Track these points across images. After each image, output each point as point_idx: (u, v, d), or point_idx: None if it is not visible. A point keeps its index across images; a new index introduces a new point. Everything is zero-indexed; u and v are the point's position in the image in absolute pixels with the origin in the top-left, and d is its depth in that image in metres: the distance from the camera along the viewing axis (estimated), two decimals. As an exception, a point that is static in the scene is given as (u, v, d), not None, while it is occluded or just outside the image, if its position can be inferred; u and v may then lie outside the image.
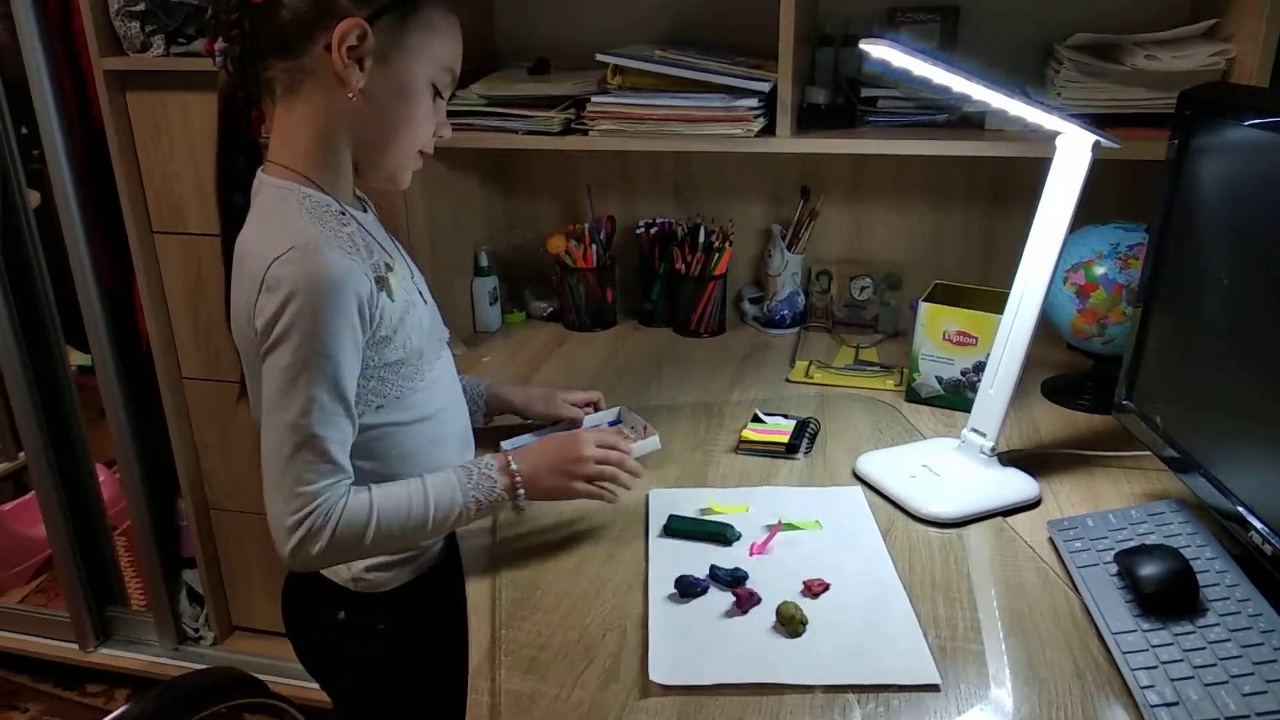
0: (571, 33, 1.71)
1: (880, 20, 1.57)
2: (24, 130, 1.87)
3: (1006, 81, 1.51)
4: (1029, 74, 1.53)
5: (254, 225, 0.96)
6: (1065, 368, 1.49)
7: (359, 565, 1.07)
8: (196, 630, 2.05)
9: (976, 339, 1.34)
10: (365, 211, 1.04)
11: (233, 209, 0.99)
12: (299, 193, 0.95)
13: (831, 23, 1.59)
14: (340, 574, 1.08)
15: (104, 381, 1.85)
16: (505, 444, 1.22)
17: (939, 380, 1.39)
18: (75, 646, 2.08)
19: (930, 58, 1.11)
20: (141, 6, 1.53)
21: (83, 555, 2.06)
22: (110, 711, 2.03)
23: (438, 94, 0.99)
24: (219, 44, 0.93)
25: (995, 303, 1.33)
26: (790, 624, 0.93)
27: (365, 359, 0.95)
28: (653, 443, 1.25)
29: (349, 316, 0.91)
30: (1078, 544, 1.04)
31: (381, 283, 0.96)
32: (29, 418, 1.94)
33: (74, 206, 1.74)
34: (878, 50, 1.09)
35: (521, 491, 1.03)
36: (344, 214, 0.97)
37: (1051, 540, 1.07)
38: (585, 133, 1.49)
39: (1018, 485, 1.17)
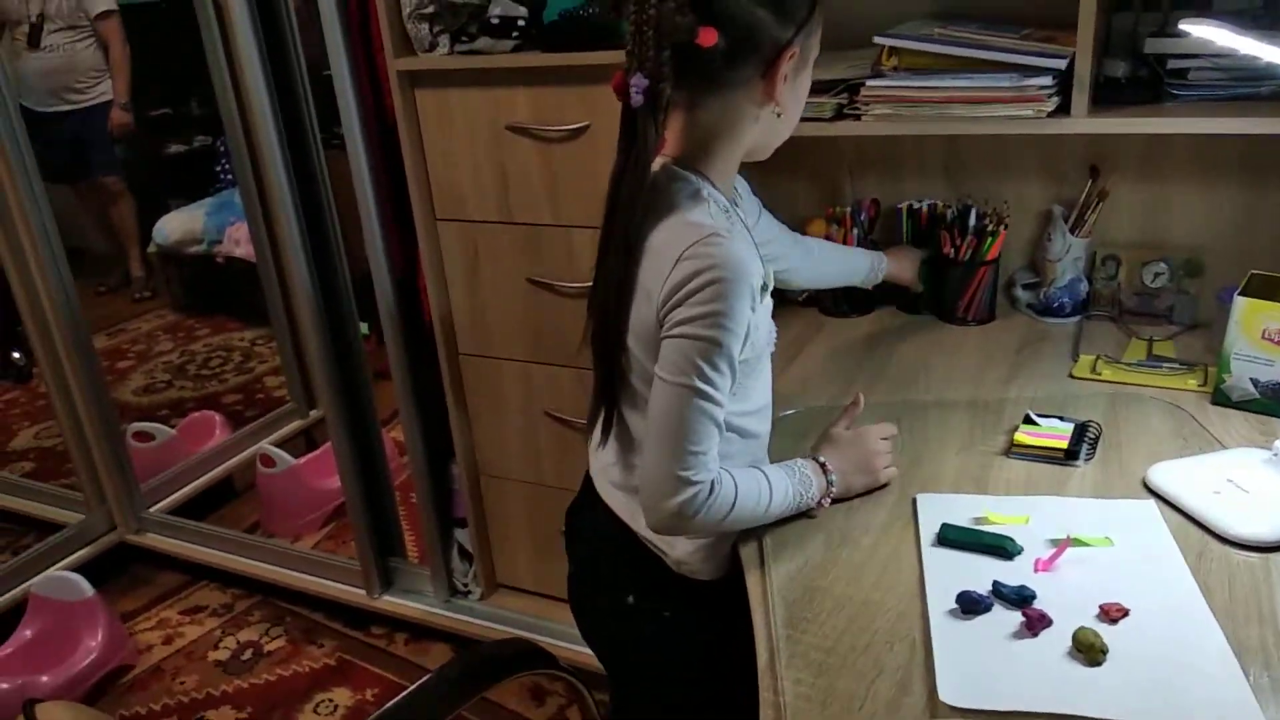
0: (838, 12, 1.63)
1: (1191, -22, 1.42)
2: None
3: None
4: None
5: (660, 216, 0.98)
6: None
7: (689, 547, 1.10)
8: (466, 585, 2.21)
9: (1304, 339, 1.20)
10: (737, 205, 1.09)
11: (629, 233, 0.97)
12: (705, 188, 1.00)
13: (1132, -15, 1.45)
14: (668, 553, 1.11)
15: (392, 354, 2.01)
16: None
17: (1255, 383, 1.25)
18: (363, 592, 2.31)
19: (1256, 34, 0.99)
20: (430, 9, 1.64)
21: (368, 508, 2.27)
22: (392, 652, 2.26)
23: None
24: (637, 80, 0.92)
25: (1328, 298, 1.19)
26: (1089, 652, 0.88)
27: None
28: None
29: (748, 304, 0.95)
30: None
31: (764, 284, 0.99)
32: (326, 379, 2.14)
33: (369, 194, 1.89)
34: (1200, 29, 0.99)
35: (833, 493, 1.11)
36: (729, 213, 1.02)
37: (1403, 576, 0.95)
38: (858, 118, 1.45)
39: (1346, 506, 1.04)
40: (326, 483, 2.68)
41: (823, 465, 1.11)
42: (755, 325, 0.99)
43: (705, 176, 1.02)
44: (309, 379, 2.98)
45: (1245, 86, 1.32)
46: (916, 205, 1.69)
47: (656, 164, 1.01)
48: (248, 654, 2.32)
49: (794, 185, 1.84)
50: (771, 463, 1.13)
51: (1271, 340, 1.23)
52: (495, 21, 1.63)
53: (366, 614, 2.34)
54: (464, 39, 1.68)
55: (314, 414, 3.10)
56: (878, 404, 1.37)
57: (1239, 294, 1.25)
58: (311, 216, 2.07)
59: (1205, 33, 0.98)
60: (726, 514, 1.01)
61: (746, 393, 1.06)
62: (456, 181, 1.79)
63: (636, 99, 0.93)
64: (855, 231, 1.68)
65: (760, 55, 0.96)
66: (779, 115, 1.02)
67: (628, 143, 0.96)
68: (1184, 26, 0.98)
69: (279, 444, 2.88)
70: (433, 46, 1.69)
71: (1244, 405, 1.27)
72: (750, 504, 1.03)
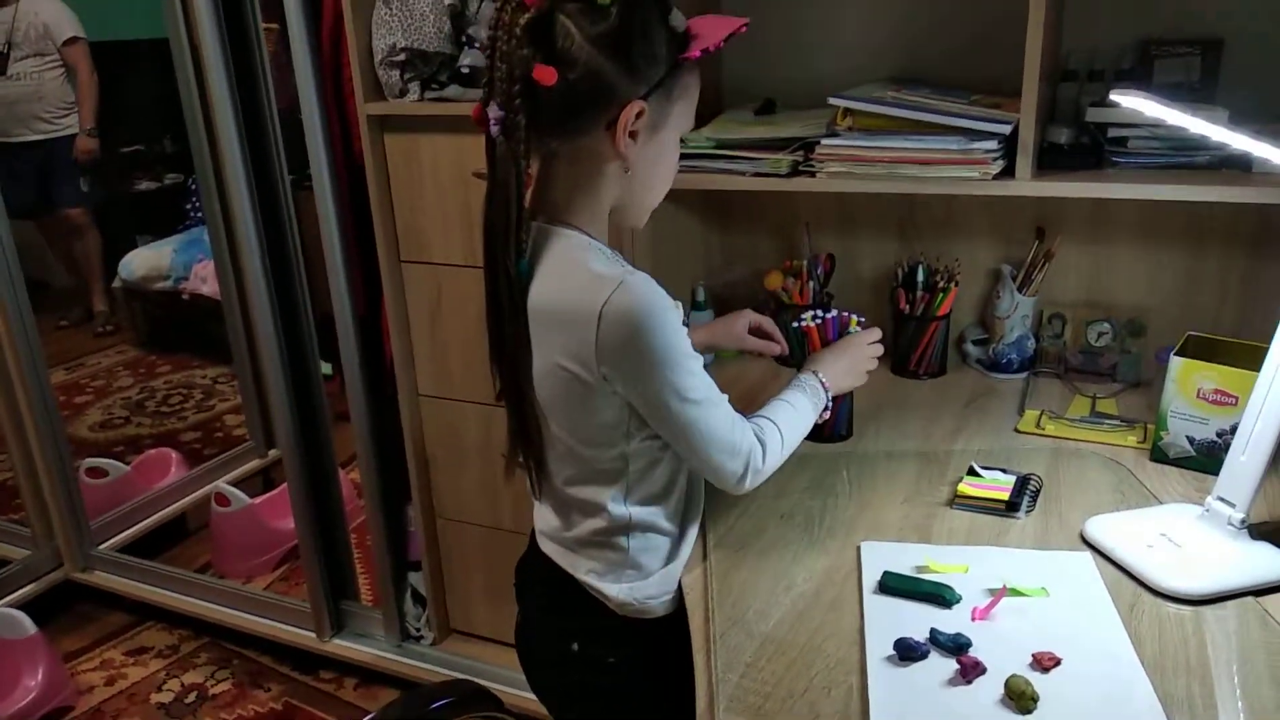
0: (799, 72, 1.71)
1: (1132, 53, 1.49)
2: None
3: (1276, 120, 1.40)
4: (1306, 109, 1.40)
5: (553, 277, 1.00)
6: (1340, 433, 1.34)
7: (629, 591, 1.11)
8: (418, 630, 2.19)
9: (1237, 399, 1.24)
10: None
11: (510, 272, 1.00)
12: (584, 240, 1.02)
13: (1076, 57, 1.51)
14: (610, 597, 1.11)
15: (351, 395, 2.01)
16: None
17: (1190, 441, 1.29)
18: (313, 635, 2.27)
19: (1190, 107, 1.05)
20: (402, 57, 1.67)
21: (323, 550, 2.25)
22: (341, 697, 2.22)
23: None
24: (493, 111, 0.96)
25: (1258, 359, 1.22)
26: (1020, 700, 0.89)
27: None
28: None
29: (677, 319, 1.00)
30: (1358, 639, 0.94)
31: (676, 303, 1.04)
32: (285, 418, 2.13)
33: (335, 235, 1.91)
34: (1129, 101, 1.04)
35: (830, 402, 1.22)
36: (616, 257, 1.04)
37: (1326, 631, 0.97)
38: (813, 174, 1.49)
39: (1271, 562, 1.07)
40: (282, 523, 2.65)
41: (820, 378, 1.22)
42: None
43: (581, 230, 1.03)
44: (269, 418, 2.96)
45: (1183, 155, 1.38)
46: (802, 322, 1.37)
47: (534, 229, 1.02)
48: (191, 697, 2.27)
49: (754, 238, 1.88)
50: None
51: (1206, 400, 1.27)
52: (465, 70, 1.67)
53: (316, 657, 2.30)
54: (434, 86, 1.71)
55: (273, 453, 3.08)
56: (830, 453, 1.40)
57: (1175, 354, 1.29)
58: (277, 256, 2.07)
59: (1134, 104, 1.02)
60: (781, 451, 1.13)
61: None
62: (422, 224, 1.81)
63: (494, 129, 0.96)
64: (811, 285, 1.72)
65: (603, 105, 0.96)
66: (628, 173, 1.02)
67: (492, 176, 0.99)
68: (1114, 97, 1.02)
69: (236, 483, 2.85)
70: (403, 93, 1.72)
71: (1180, 462, 1.31)
72: (798, 432, 1.16)
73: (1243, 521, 1.09)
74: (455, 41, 1.69)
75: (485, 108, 0.97)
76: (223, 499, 2.64)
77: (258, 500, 2.70)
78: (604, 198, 1.04)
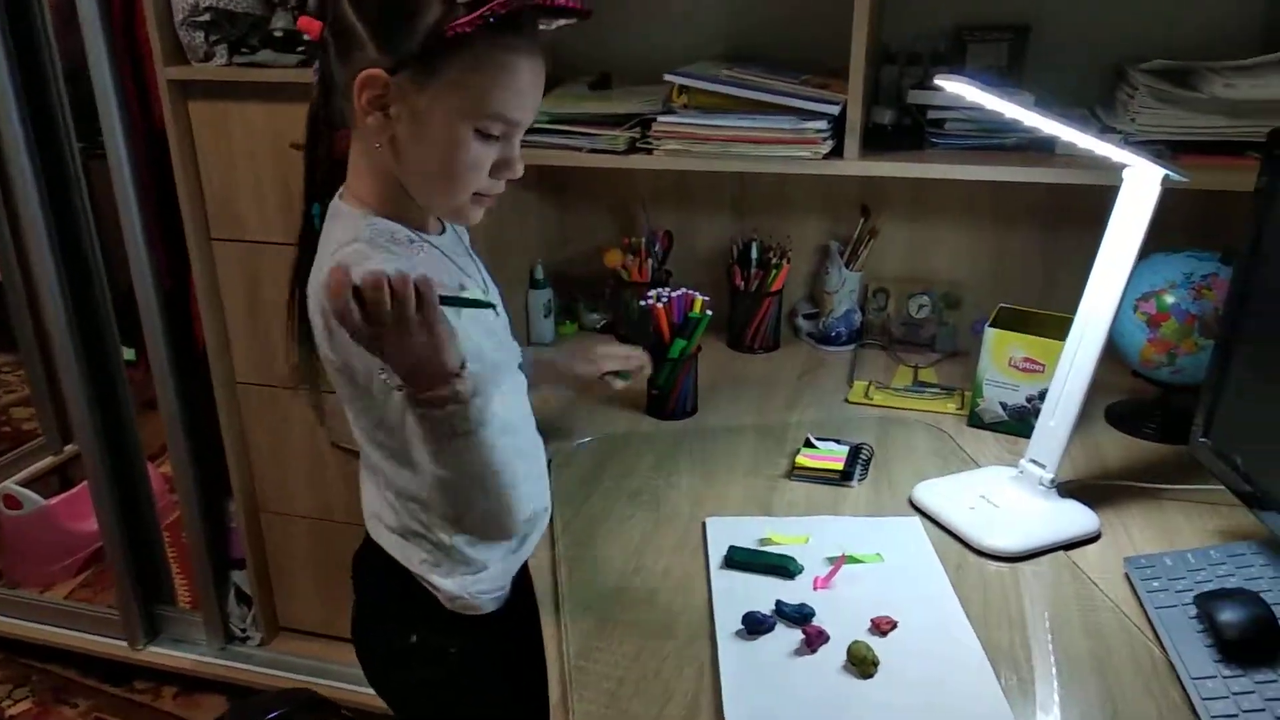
0: (634, 47, 1.70)
1: (947, 38, 1.55)
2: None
3: (1076, 104, 1.50)
4: (1100, 95, 1.51)
5: (321, 250, 0.95)
6: (1130, 393, 1.47)
7: (459, 585, 1.05)
8: (244, 630, 2.07)
9: (1044, 366, 1.32)
10: (443, 234, 1.04)
11: (312, 225, 0.97)
12: (366, 220, 0.94)
13: (896, 41, 1.57)
14: (440, 590, 1.06)
15: (159, 382, 1.87)
16: None
17: (1003, 406, 1.37)
18: (124, 644, 2.11)
19: (1001, 90, 1.10)
20: (206, 17, 1.54)
21: (132, 552, 2.09)
22: (159, 708, 2.07)
23: (494, 138, 0.91)
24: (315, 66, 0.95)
25: (1062, 329, 1.32)
26: (862, 665, 0.92)
27: None
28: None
29: None
30: (1155, 584, 1.03)
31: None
32: (82, 410, 1.96)
33: (134, 208, 1.75)
34: (951, 85, 1.08)
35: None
36: (414, 241, 0.96)
37: (1128, 577, 1.06)
38: (650, 152, 1.48)
39: (1077, 518, 1.16)
40: (83, 525, 2.44)
41: None
42: (465, 334, 0.87)
43: (368, 207, 0.95)
44: (64, 410, 2.71)
45: (994, 138, 1.46)
46: (649, 301, 1.39)
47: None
48: (-16, 720, 2.07)
49: (592, 215, 1.86)
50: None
51: (1017, 368, 1.35)
52: (278, 34, 1.56)
53: (129, 667, 2.14)
54: (244, 50, 1.59)
55: (70, 449, 2.82)
56: (668, 429, 1.40)
57: (988, 325, 1.37)
58: (67, 231, 1.89)
59: (955, 89, 1.07)
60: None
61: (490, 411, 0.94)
62: (235, 200, 1.68)
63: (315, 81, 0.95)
64: (650, 262, 1.72)
65: (350, 69, 0.88)
66: (379, 148, 0.91)
67: (308, 141, 0.96)
68: (939, 81, 1.07)
69: (27, 483, 2.59)
70: (208, 56, 1.59)
71: (995, 427, 1.39)
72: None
73: (1052, 481, 1.17)
74: (267, 2, 1.57)
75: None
76: (12, 501, 2.41)
77: (53, 501, 2.47)
78: (381, 172, 0.94)
